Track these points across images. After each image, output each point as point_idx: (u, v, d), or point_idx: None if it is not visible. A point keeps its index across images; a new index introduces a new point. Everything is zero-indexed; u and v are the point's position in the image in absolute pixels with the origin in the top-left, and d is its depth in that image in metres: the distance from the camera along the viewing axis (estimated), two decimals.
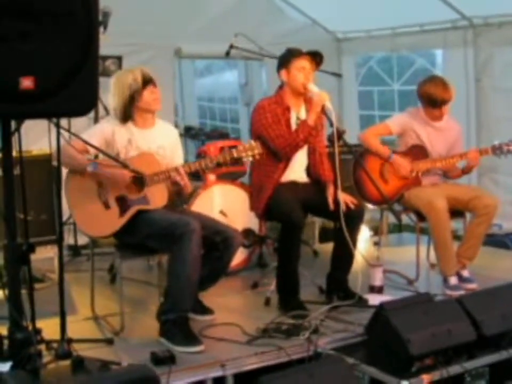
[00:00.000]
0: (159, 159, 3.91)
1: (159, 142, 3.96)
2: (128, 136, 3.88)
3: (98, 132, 3.87)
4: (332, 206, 4.14)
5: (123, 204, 3.78)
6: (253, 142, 3.94)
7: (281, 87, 4.32)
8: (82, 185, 3.80)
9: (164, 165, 3.88)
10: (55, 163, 3.54)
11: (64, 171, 3.82)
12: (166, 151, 3.99)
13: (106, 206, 3.79)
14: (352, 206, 4.12)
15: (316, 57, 4.22)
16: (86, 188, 3.80)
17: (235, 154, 3.88)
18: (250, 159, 3.93)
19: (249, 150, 3.90)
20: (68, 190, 3.81)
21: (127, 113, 3.86)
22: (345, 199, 4.14)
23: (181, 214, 3.92)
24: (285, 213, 4.03)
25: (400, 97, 7.18)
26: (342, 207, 4.04)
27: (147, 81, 3.84)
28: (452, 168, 4.79)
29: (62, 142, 3.43)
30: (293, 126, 4.25)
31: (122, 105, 3.84)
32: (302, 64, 4.18)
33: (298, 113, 4.31)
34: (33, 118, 2.96)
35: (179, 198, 4.03)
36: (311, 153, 4.38)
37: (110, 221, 3.77)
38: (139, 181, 3.79)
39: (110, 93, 3.89)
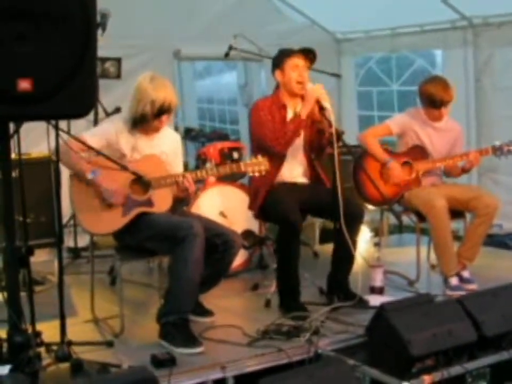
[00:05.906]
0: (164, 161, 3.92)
1: (162, 148, 3.97)
2: (132, 142, 3.87)
3: (101, 132, 3.87)
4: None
5: (127, 203, 3.77)
6: (260, 158, 3.95)
7: (277, 87, 4.32)
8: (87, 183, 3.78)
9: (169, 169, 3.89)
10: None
11: (65, 172, 3.81)
12: (168, 157, 3.99)
13: (110, 203, 3.78)
14: None
15: (309, 54, 4.21)
16: (91, 185, 3.78)
17: (242, 169, 3.91)
18: (257, 174, 3.94)
19: (256, 165, 3.92)
20: (72, 187, 3.79)
21: (134, 123, 3.84)
22: None
23: (183, 216, 3.92)
24: (281, 214, 4.02)
25: (399, 97, 7.18)
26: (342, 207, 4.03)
27: (164, 111, 3.78)
28: (453, 167, 4.78)
29: (62, 143, 3.43)
30: None
31: (132, 116, 3.82)
32: (295, 62, 4.18)
33: (295, 111, 4.29)
34: (31, 120, 2.95)
35: (181, 202, 4.03)
36: (306, 152, 4.36)
37: (112, 219, 3.76)
38: (144, 183, 3.79)
39: (131, 93, 3.80)
